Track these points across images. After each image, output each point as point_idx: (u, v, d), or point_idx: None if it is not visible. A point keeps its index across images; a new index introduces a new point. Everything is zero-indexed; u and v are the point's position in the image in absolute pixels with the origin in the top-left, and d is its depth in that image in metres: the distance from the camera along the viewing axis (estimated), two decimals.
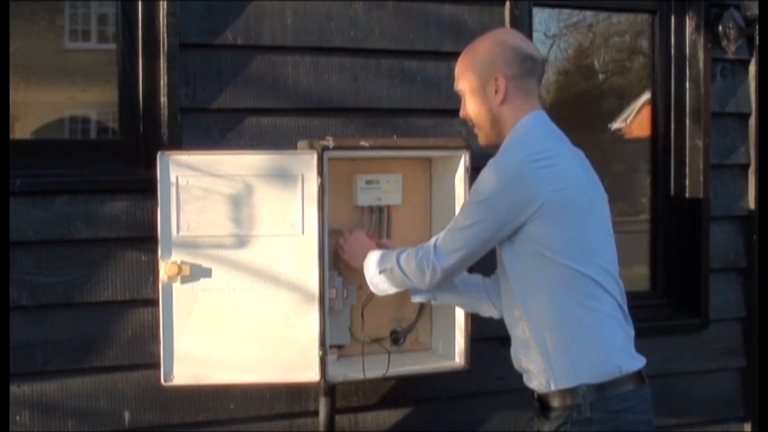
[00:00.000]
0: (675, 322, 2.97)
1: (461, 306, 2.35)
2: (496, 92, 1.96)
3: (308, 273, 2.41)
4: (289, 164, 2.40)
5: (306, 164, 2.40)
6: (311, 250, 2.41)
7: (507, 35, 1.99)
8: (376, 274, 2.16)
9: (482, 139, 2.05)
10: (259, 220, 2.39)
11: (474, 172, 2.50)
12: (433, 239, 2.02)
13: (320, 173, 2.40)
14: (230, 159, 2.37)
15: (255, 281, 2.40)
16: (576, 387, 1.81)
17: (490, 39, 1.98)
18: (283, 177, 2.40)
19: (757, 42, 2.88)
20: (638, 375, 1.86)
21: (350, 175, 2.63)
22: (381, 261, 2.16)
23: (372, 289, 2.19)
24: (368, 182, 2.61)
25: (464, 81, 2.01)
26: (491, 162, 1.91)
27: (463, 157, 2.55)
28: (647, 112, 3.01)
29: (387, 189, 2.62)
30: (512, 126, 1.96)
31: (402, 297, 2.48)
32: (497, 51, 1.95)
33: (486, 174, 1.91)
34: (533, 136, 1.93)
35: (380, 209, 2.67)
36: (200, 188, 2.35)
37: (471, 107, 2.01)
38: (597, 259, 1.89)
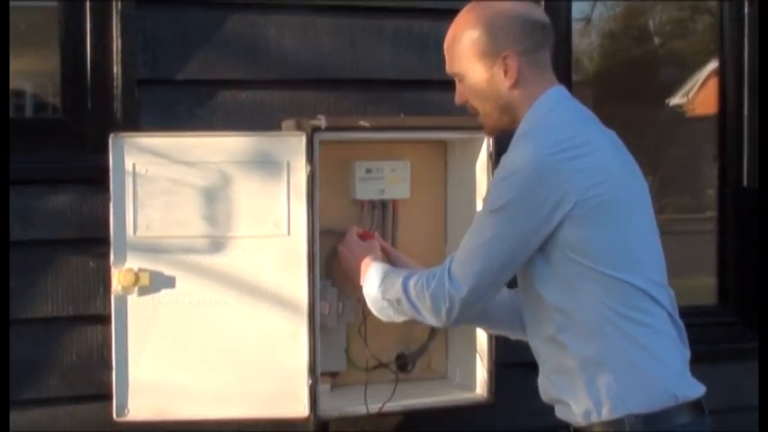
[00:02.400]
0: (749, 345, 2.93)
1: (483, 327, 2.37)
2: (506, 73, 1.96)
3: (296, 283, 2.45)
4: (271, 148, 2.43)
5: (292, 148, 2.44)
6: (299, 255, 2.45)
7: (508, 2, 1.96)
8: (378, 298, 2.16)
9: (489, 129, 2.08)
10: (235, 218, 2.43)
11: (499, 158, 2.59)
12: (447, 261, 1.99)
13: (310, 159, 2.43)
14: (200, 143, 2.40)
15: (231, 293, 2.44)
16: (622, 418, 1.82)
17: (488, 9, 1.95)
18: (265, 165, 2.43)
19: None
20: (697, 405, 1.88)
21: (347, 162, 2.66)
22: (384, 286, 2.15)
23: (375, 313, 2.21)
24: (369, 171, 2.65)
25: (461, 64, 2.00)
26: (505, 159, 1.91)
27: (486, 140, 2.59)
28: (713, 84, 2.99)
29: (392, 179, 2.66)
30: (527, 109, 1.97)
31: None
32: (501, 24, 1.94)
33: (501, 173, 1.91)
34: (555, 119, 1.93)
35: (384, 204, 2.71)
36: (163, 178, 2.38)
37: (474, 94, 2.02)
38: (643, 265, 1.91)
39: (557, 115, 1.93)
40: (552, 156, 1.85)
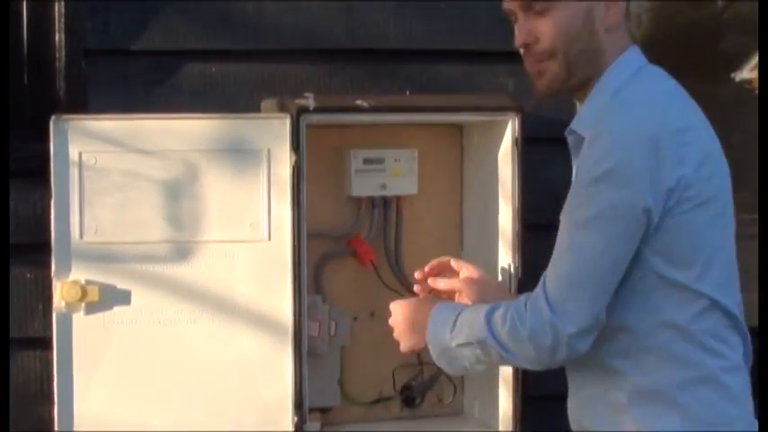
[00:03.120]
0: None
1: None
2: (609, 10, 1.94)
3: (278, 298, 2.48)
4: (248, 134, 2.46)
5: (274, 134, 2.46)
6: (282, 264, 2.47)
7: None
8: (450, 345, 2.02)
9: (553, 80, 1.97)
10: (204, 220, 2.46)
11: (528, 145, 2.59)
12: (540, 285, 1.91)
13: (295, 147, 2.45)
14: (161, 127, 2.42)
15: (199, 310, 2.46)
16: None
17: None
18: (240, 154, 2.46)
19: None
20: None
21: (340, 150, 2.70)
22: (458, 328, 2.02)
23: (444, 367, 2.07)
24: (368, 161, 2.68)
25: None
26: (604, 129, 1.85)
27: (511, 123, 2.61)
28: None
29: (396, 172, 2.71)
30: (610, 64, 1.94)
31: None
32: None
33: (603, 146, 1.85)
34: (654, 86, 1.91)
35: (386, 202, 2.75)
36: (116, 171, 2.40)
37: (561, 32, 1.93)
38: (732, 281, 1.93)
39: (654, 81, 1.93)
40: (674, 134, 1.84)
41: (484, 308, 2.00)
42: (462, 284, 2.24)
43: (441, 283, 2.27)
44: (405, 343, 2.14)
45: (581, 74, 1.96)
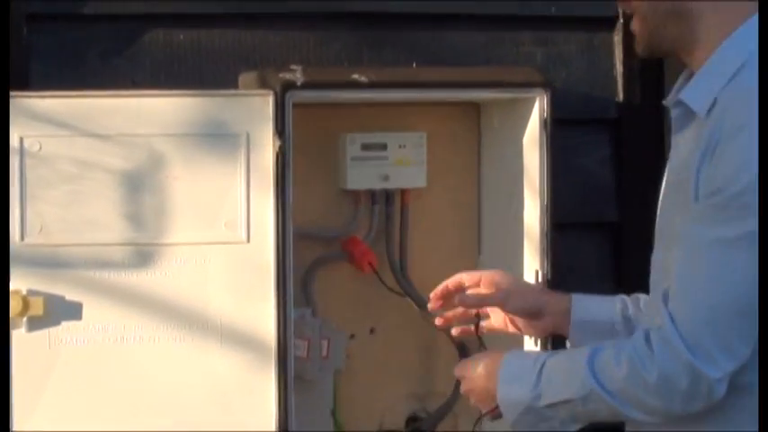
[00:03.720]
0: None
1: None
2: None
3: (258, 311, 2.50)
4: (224, 114, 2.48)
5: (254, 114, 2.48)
6: (263, 271, 2.50)
7: None
8: (535, 405, 1.94)
9: (638, 42, 1.98)
10: (171, 217, 2.47)
11: (559, 128, 2.64)
12: (665, 316, 1.84)
13: (280, 131, 2.48)
14: (119, 106, 2.42)
15: (164, 326, 2.47)
16: None
17: None
18: (214, 140, 2.48)
19: None
20: None
21: (334, 134, 2.73)
22: (545, 383, 1.94)
23: (523, 430, 1.99)
24: (366, 147, 2.72)
25: None
26: (738, 124, 1.81)
27: (538, 102, 2.63)
28: None
29: (400, 160, 2.75)
30: (716, 32, 1.91)
31: (427, 352, 2.67)
32: None
33: (744, 149, 1.79)
34: None
35: (389, 196, 2.80)
36: (65, 159, 2.40)
37: None
38: None
39: None
40: None
41: (581, 352, 1.94)
42: (497, 298, 2.16)
43: (471, 301, 2.17)
44: (482, 406, 2.07)
45: (669, 37, 1.93)
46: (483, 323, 2.20)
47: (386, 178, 2.76)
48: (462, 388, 2.10)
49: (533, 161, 2.69)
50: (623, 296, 2.16)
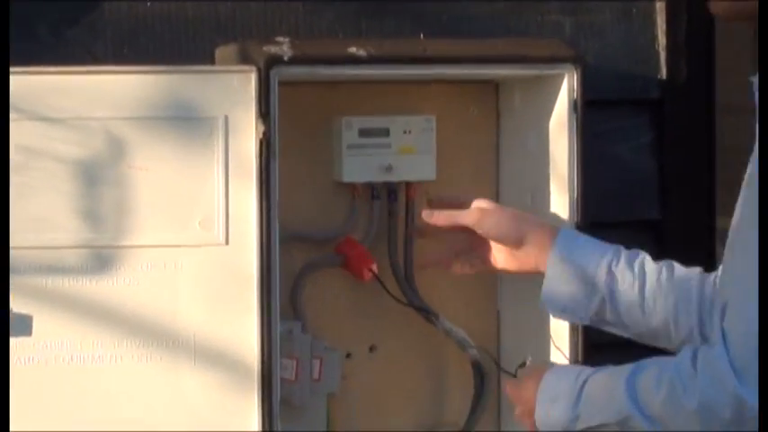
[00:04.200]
0: None
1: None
2: None
3: (238, 325, 2.49)
4: (197, 94, 2.47)
5: (233, 95, 2.48)
6: (244, 278, 2.49)
7: None
8: (574, 429, 2.11)
9: (714, 5, 2.04)
10: (135, 215, 2.46)
11: (592, 109, 2.63)
12: (718, 332, 1.93)
13: (264, 113, 2.47)
14: (74, 85, 2.41)
15: (127, 343, 2.46)
16: None
17: None
18: (186, 124, 2.47)
19: None
20: None
21: (327, 118, 2.73)
22: (590, 398, 2.10)
23: None
24: (365, 132, 2.72)
25: None
26: None
27: (567, 80, 2.63)
28: None
29: (405, 148, 2.75)
30: None
31: (436, 374, 2.70)
32: None
33: None
34: None
35: (392, 191, 2.80)
36: (11, 146, 2.38)
37: None
38: None
39: None
40: None
41: (622, 371, 2.04)
42: (470, 216, 2.46)
43: (440, 217, 2.49)
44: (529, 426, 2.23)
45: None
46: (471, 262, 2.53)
47: (388, 169, 2.76)
48: (517, 413, 2.28)
49: (561, 150, 2.68)
50: (621, 247, 2.32)
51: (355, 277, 2.80)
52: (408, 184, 2.81)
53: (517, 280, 2.62)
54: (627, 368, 2.05)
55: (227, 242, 2.53)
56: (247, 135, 2.50)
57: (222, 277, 2.53)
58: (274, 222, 2.50)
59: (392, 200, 2.82)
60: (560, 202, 2.69)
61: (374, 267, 2.78)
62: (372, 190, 2.80)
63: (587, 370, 2.16)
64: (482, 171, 2.88)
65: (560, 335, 2.61)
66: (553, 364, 2.38)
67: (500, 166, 2.89)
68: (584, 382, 2.11)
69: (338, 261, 2.81)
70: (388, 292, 2.77)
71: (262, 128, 2.48)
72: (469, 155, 2.86)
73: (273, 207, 2.50)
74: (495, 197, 2.86)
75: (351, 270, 2.81)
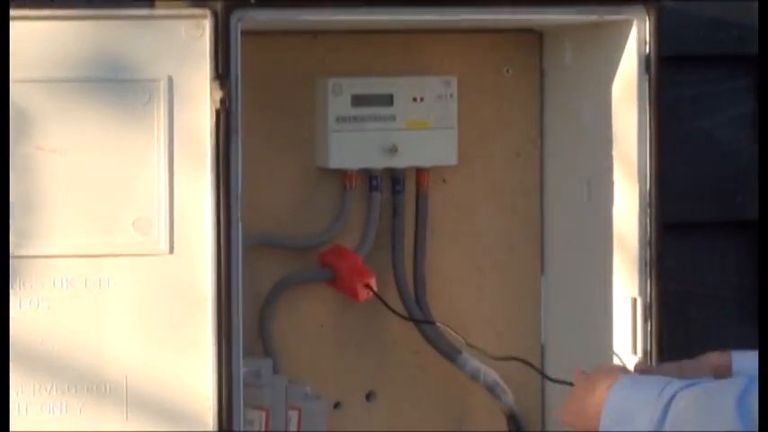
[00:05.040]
0: None
1: None
2: None
3: (187, 363, 2.48)
4: (132, 48, 2.47)
5: (180, 47, 2.47)
6: (195, 298, 2.48)
7: None
8: None
9: None
10: (47, 213, 2.45)
11: (670, 68, 2.63)
12: None
13: (222, 73, 2.45)
14: None
15: (36, 386, 2.46)
16: None
17: None
18: (115, 88, 2.46)
19: None
20: None
21: (308, 79, 2.74)
22: (683, 419, 2.20)
23: None
24: (360, 100, 2.71)
25: None
26: None
27: (636, 28, 2.63)
28: None
29: (415, 122, 2.72)
30: None
31: (462, 413, 2.77)
32: None
33: None
34: None
35: (397, 179, 2.80)
36: None
37: None
38: None
39: None
40: None
41: (727, 387, 2.15)
42: None
43: None
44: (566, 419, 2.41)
45: None
46: None
47: (392, 151, 2.74)
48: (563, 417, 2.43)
49: (627, 122, 2.66)
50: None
51: (346, 297, 2.80)
52: (420, 172, 2.80)
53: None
54: (734, 383, 2.15)
55: (171, 250, 2.51)
56: (199, 103, 2.49)
57: (165, 298, 2.51)
58: (236, 223, 2.48)
59: (397, 192, 2.81)
60: (629, 196, 2.71)
61: (372, 283, 2.79)
62: (370, 179, 2.79)
63: (674, 383, 2.24)
64: (521, 152, 2.89)
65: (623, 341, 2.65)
66: (626, 369, 2.48)
67: (545, 145, 2.90)
68: (673, 396, 2.19)
69: (323, 276, 2.81)
70: (393, 311, 2.79)
71: (219, 94, 2.46)
72: (503, 131, 2.88)
73: (235, 202, 2.49)
74: (539, 189, 2.89)
75: (340, 288, 2.82)
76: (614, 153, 2.74)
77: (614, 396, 2.29)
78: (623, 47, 2.70)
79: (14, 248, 2.49)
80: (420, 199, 2.83)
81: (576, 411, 2.41)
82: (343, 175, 2.79)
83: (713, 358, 2.47)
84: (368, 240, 2.82)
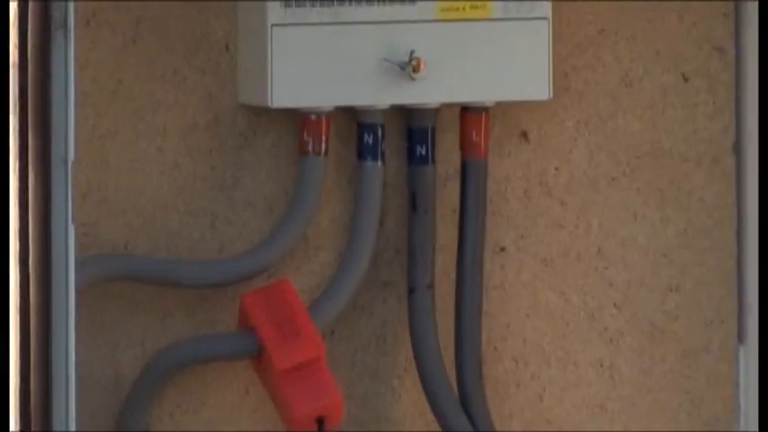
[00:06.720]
0: None
1: None
2: None
3: None
4: None
5: None
6: None
7: None
8: None
9: None
10: None
11: None
12: None
13: None
14: None
15: None
16: None
17: None
18: None
19: None
20: None
21: None
22: None
23: None
24: None
25: None
26: None
27: None
28: None
29: (452, 6, 2.34)
30: None
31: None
32: None
33: None
34: None
35: (420, 131, 2.27)
36: None
37: None
38: None
39: None
40: None
41: None
42: None
43: None
44: None
45: None
46: None
47: (405, 68, 2.06)
48: None
49: None
50: None
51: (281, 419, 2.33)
52: (466, 113, 2.11)
53: None
54: None
55: None
56: None
57: None
58: (61, 230, 1.86)
59: (419, 159, 2.14)
60: None
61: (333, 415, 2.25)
62: (360, 134, 2.17)
63: None
64: (705, 98, 2.33)
65: None
66: None
67: (743, 102, 2.38)
68: None
69: (244, 351, 2.24)
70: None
71: None
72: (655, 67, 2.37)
73: (59, 184, 1.87)
74: (735, 169, 2.35)
75: (267, 385, 2.32)
76: None
77: None
78: None
79: None
80: (471, 170, 2.07)
81: None
82: (301, 123, 2.16)
83: None
84: (349, 277, 2.09)
